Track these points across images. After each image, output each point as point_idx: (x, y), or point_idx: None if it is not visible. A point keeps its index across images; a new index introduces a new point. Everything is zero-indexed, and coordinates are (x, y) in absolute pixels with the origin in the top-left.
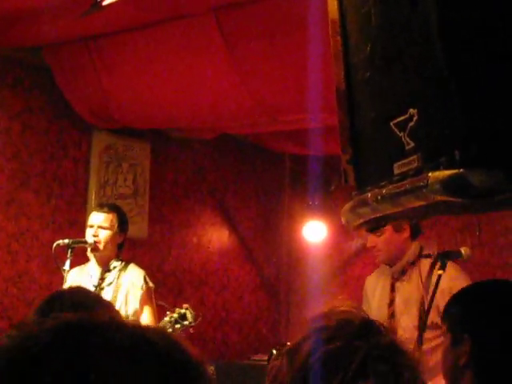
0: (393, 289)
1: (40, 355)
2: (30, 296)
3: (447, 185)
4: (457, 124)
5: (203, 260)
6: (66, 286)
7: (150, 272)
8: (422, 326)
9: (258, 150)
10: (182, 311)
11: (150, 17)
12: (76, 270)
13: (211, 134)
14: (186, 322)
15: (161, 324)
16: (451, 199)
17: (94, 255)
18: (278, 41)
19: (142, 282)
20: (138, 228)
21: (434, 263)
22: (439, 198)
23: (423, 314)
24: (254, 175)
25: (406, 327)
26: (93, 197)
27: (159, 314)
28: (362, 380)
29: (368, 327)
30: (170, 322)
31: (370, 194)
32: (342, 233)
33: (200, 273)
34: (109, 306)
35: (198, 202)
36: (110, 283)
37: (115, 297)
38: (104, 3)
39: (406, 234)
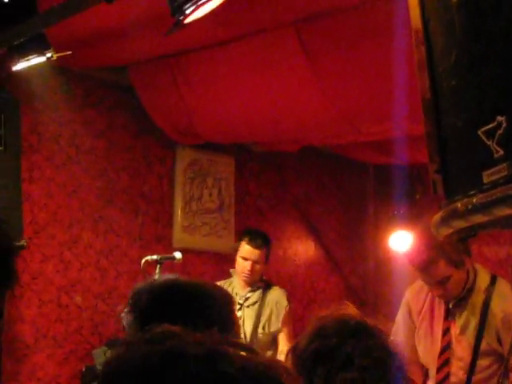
0: (448, 316)
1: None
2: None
3: None
4: None
5: (290, 273)
6: None
7: None
8: (476, 352)
9: (341, 160)
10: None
11: (231, 32)
12: (219, 284)
13: (294, 147)
14: None
15: None
16: None
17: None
18: (358, 51)
19: (286, 302)
20: (225, 242)
21: (492, 285)
22: None
23: (478, 341)
24: (338, 186)
25: (462, 357)
26: (179, 212)
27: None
28: (347, 372)
29: (361, 328)
30: None
31: (459, 204)
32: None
33: (287, 286)
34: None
35: (282, 214)
36: (255, 302)
37: (259, 315)
38: (186, 21)
39: (468, 264)
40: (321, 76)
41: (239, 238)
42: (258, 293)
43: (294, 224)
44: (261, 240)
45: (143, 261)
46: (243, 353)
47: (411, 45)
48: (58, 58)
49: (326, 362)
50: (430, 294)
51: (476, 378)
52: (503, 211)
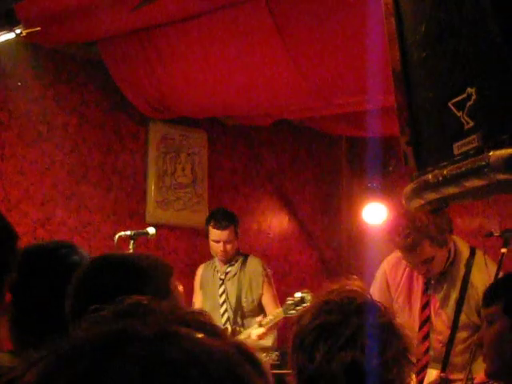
0: (427, 290)
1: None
2: None
3: (509, 163)
4: None
5: (264, 246)
6: (197, 280)
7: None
8: (455, 326)
9: (314, 133)
10: (303, 295)
11: (202, 6)
12: (203, 266)
13: (267, 121)
14: (304, 304)
15: (283, 307)
16: None
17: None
18: (330, 23)
19: (261, 268)
20: (198, 217)
21: (471, 258)
22: (501, 176)
23: (457, 314)
24: (312, 159)
25: (441, 331)
26: (152, 187)
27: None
28: (349, 350)
29: (367, 307)
30: (292, 304)
31: (430, 176)
32: (402, 214)
33: (262, 259)
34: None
35: (256, 188)
36: (234, 275)
37: (240, 285)
38: None
39: (450, 241)
40: (293, 49)
41: (206, 223)
42: (236, 265)
43: (268, 198)
44: (225, 221)
45: (117, 237)
46: (201, 334)
47: (382, 17)
48: (27, 34)
49: (329, 338)
50: (407, 267)
51: (454, 350)
52: (473, 182)
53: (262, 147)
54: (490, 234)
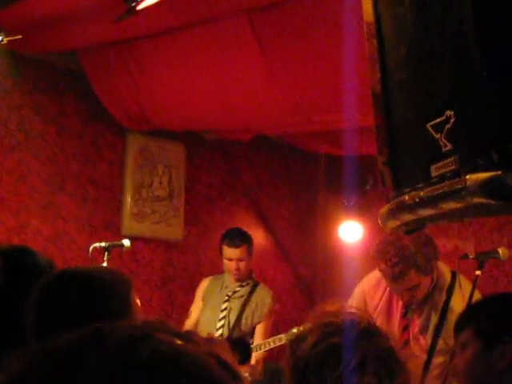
0: (406, 313)
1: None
2: None
3: (485, 187)
4: (494, 125)
5: None
6: (201, 290)
7: (186, 274)
8: (432, 350)
9: (292, 150)
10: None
11: (184, 20)
12: (210, 278)
13: (246, 136)
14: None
15: (289, 333)
16: (489, 201)
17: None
18: (311, 42)
19: (270, 299)
20: (174, 230)
21: (452, 283)
22: (477, 200)
23: (436, 339)
24: (289, 176)
25: (418, 355)
26: (128, 199)
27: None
28: (360, 376)
29: (371, 330)
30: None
31: (407, 197)
32: (377, 232)
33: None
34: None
35: (232, 203)
36: (242, 296)
37: (244, 307)
38: (138, 7)
39: (435, 270)
40: (273, 65)
41: (220, 241)
42: (246, 288)
43: (245, 213)
44: (239, 239)
45: (91, 248)
46: (178, 340)
47: (363, 37)
48: (8, 41)
49: (339, 361)
50: (387, 289)
51: (429, 375)
52: (450, 205)
53: (239, 162)
54: (465, 257)
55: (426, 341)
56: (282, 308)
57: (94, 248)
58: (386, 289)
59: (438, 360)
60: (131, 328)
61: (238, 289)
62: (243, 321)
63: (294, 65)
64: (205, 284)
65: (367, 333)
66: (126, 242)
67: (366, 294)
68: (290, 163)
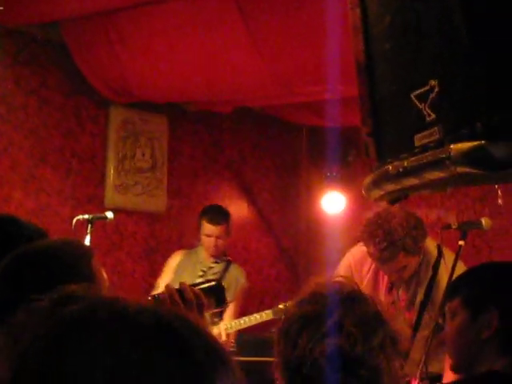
0: (392, 289)
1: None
2: None
3: (469, 157)
4: (479, 95)
5: None
6: (173, 264)
7: (169, 246)
8: (417, 325)
9: (275, 122)
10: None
11: None
12: (184, 252)
13: (228, 107)
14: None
15: (273, 309)
16: (473, 171)
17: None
18: (294, 12)
19: (244, 279)
20: (157, 202)
21: (438, 259)
22: (461, 169)
23: (421, 314)
24: (272, 147)
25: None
26: (111, 171)
27: None
28: (333, 338)
29: (354, 296)
30: (283, 309)
31: (391, 167)
32: (360, 203)
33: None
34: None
35: (215, 175)
36: (216, 273)
37: None
38: None
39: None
40: (256, 37)
41: (199, 217)
42: (221, 265)
43: (228, 185)
44: (220, 217)
45: (74, 220)
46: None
47: (346, 8)
48: None
49: (313, 326)
50: (373, 264)
51: (414, 348)
52: (434, 174)
53: (222, 134)
54: (448, 227)
55: (411, 316)
56: (265, 280)
57: (78, 220)
58: (372, 263)
59: (423, 333)
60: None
61: (212, 265)
62: None
63: (276, 36)
64: (177, 258)
65: (350, 299)
66: (109, 214)
67: (352, 267)
68: (272, 135)
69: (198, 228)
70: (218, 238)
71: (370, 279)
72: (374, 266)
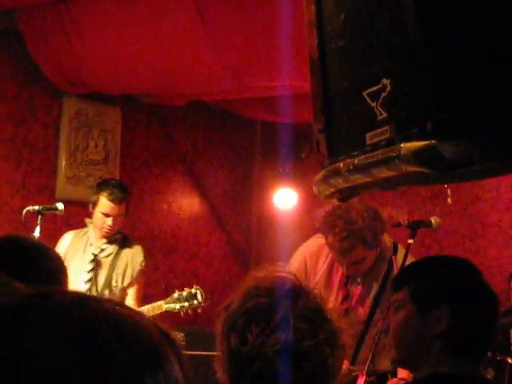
0: (347, 283)
1: None
2: None
3: (419, 156)
4: (429, 94)
5: (173, 227)
6: (62, 248)
7: None
8: (369, 321)
9: (229, 116)
10: (193, 291)
11: None
12: (73, 233)
13: (182, 101)
14: (195, 302)
15: (168, 299)
16: (423, 170)
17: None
18: (250, 6)
19: (142, 257)
20: None
21: (394, 255)
22: (411, 168)
23: (373, 310)
24: (225, 142)
25: (356, 325)
26: (63, 162)
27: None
28: (281, 332)
29: (297, 291)
30: (178, 299)
31: (342, 164)
32: (312, 200)
33: (170, 239)
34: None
35: (168, 168)
36: (110, 254)
37: (113, 267)
38: None
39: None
40: (211, 31)
41: (96, 191)
42: (114, 245)
43: (180, 178)
44: (121, 194)
45: (24, 211)
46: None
47: (301, 4)
48: None
49: (261, 320)
50: (329, 257)
51: (364, 345)
52: (384, 172)
53: (176, 127)
54: (398, 225)
55: (364, 311)
56: (215, 275)
57: (28, 211)
58: (327, 256)
59: (374, 330)
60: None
61: (105, 246)
62: (113, 283)
63: (232, 31)
64: (65, 240)
65: (292, 293)
66: (60, 206)
67: (307, 260)
68: (226, 129)
69: (94, 205)
70: (116, 217)
71: (324, 272)
72: (329, 259)
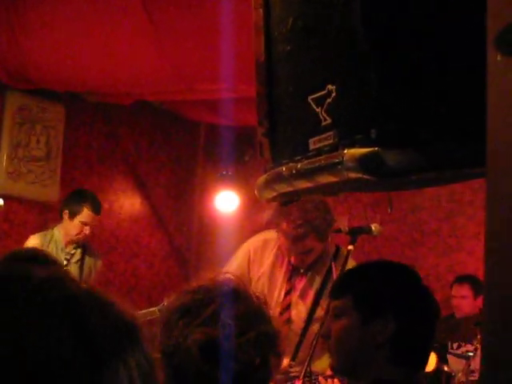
0: (291, 277)
1: None
2: None
3: (362, 163)
4: (374, 102)
5: (114, 226)
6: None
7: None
8: (310, 318)
9: (173, 117)
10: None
11: None
12: (38, 236)
13: (127, 100)
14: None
15: (159, 306)
16: (365, 177)
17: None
18: (198, 11)
19: (101, 262)
20: (49, 191)
21: (336, 253)
22: (353, 175)
23: (314, 306)
24: (169, 143)
25: (295, 321)
26: (4, 158)
27: None
28: (207, 328)
29: (238, 292)
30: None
31: (284, 168)
32: (253, 204)
33: (110, 239)
34: None
35: (110, 167)
36: (78, 260)
37: (81, 272)
38: None
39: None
40: (158, 32)
41: (78, 202)
42: (79, 251)
43: (122, 178)
44: (100, 206)
45: None
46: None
47: (249, 7)
48: None
49: (191, 315)
50: (273, 253)
51: (304, 343)
52: (326, 178)
53: (120, 127)
54: (339, 231)
55: (305, 307)
56: (154, 276)
57: None
58: (272, 250)
59: (315, 328)
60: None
61: (73, 251)
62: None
63: (179, 31)
64: (35, 241)
65: (233, 293)
66: (0, 201)
67: (251, 254)
68: (170, 131)
69: (73, 214)
70: (91, 227)
71: (269, 266)
72: (273, 253)
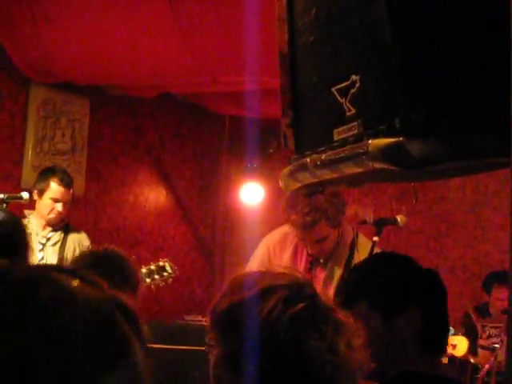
0: (311, 269)
1: None
2: None
3: (386, 153)
4: (398, 92)
5: (139, 219)
6: None
7: (85, 230)
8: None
9: (197, 110)
10: (161, 264)
11: None
12: None
13: (151, 93)
14: (165, 274)
15: None
16: (389, 167)
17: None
18: (219, 1)
19: (88, 242)
20: (75, 185)
21: (355, 240)
22: (377, 165)
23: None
24: (193, 135)
25: None
26: (29, 152)
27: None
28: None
29: (300, 291)
30: (148, 273)
31: (309, 159)
32: (278, 196)
33: (135, 232)
34: None
35: (135, 160)
36: (57, 242)
37: (61, 256)
38: None
39: (342, 225)
40: (181, 23)
41: (44, 178)
42: (59, 233)
43: (146, 171)
44: (70, 178)
45: None
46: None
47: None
48: None
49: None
50: (292, 245)
51: None
52: (350, 168)
53: (144, 120)
54: (364, 222)
55: (328, 296)
56: (179, 268)
57: None
58: (291, 245)
59: None
60: (28, 268)
61: (50, 234)
62: None
63: (203, 22)
64: None
65: (294, 294)
66: (25, 195)
67: (270, 250)
68: (194, 123)
69: (40, 193)
70: (65, 203)
71: (288, 259)
72: (293, 246)
